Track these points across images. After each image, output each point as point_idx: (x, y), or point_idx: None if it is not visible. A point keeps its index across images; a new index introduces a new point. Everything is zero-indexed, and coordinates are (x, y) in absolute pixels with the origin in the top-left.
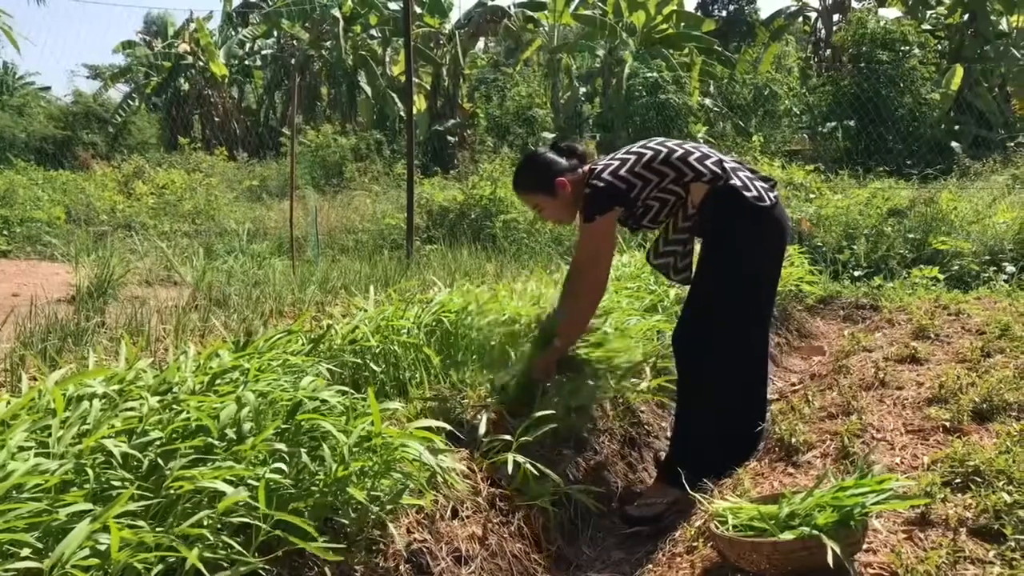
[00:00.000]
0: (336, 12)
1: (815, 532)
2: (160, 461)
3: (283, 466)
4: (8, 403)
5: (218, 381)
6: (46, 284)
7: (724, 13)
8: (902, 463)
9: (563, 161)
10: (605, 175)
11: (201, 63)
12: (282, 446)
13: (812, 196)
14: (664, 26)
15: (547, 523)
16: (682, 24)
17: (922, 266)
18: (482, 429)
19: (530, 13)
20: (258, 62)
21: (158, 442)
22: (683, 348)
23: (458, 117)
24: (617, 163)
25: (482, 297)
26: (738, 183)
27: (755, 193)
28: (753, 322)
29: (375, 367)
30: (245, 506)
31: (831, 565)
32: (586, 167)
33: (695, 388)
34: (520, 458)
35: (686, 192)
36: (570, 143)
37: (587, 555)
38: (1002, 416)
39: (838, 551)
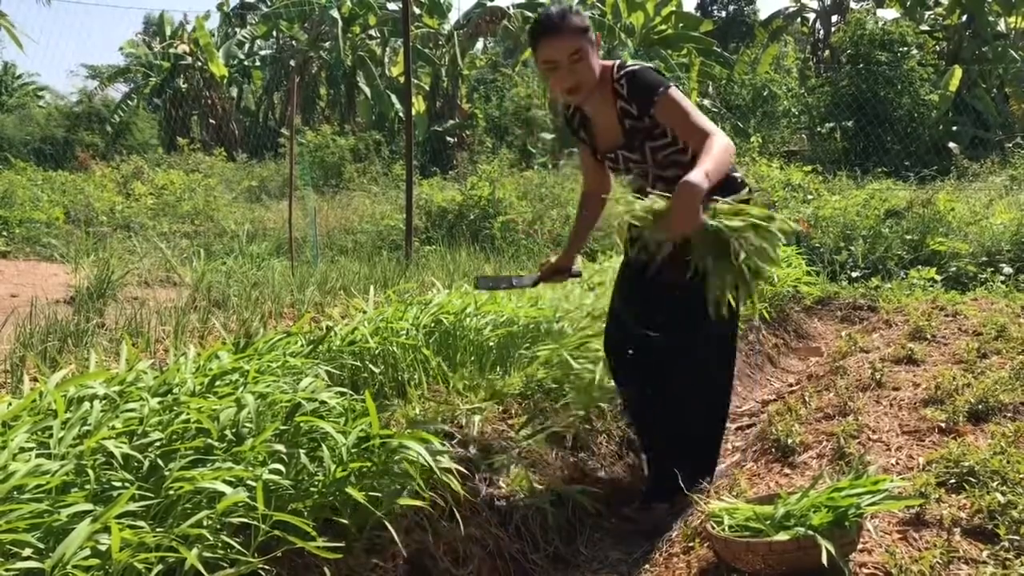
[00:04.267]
0: (335, 13)
1: (810, 532)
2: (160, 462)
3: (282, 467)
4: (9, 404)
5: (218, 383)
6: (45, 285)
7: (723, 14)
8: (897, 464)
9: None
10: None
11: (200, 63)
12: (281, 447)
13: (810, 197)
14: (663, 27)
15: (545, 523)
16: (681, 25)
17: (920, 267)
18: (480, 430)
19: (529, 14)
20: (257, 63)
21: (158, 443)
22: (680, 350)
23: (457, 118)
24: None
25: (480, 298)
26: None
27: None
28: (737, 321)
29: (374, 368)
30: (244, 506)
31: (826, 565)
32: (604, 63)
33: (695, 390)
34: (518, 459)
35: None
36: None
37: (584, 555)
38: (997, 417)
39: (832, 551)
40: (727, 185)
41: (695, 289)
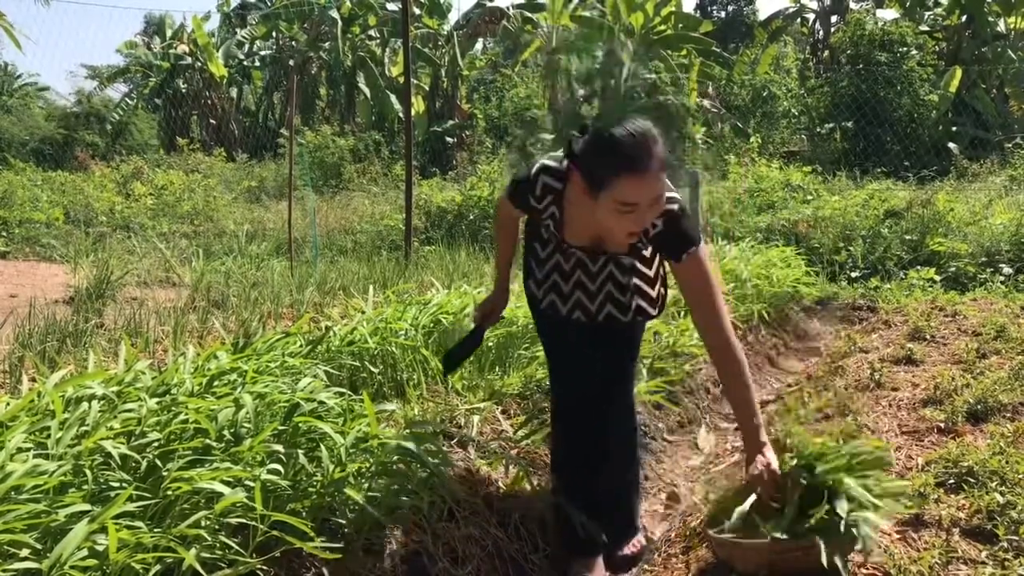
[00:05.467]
0: (334, 13)
1: (813, 535)
2: (158, 462)
3: (280, 467)
4: (7, 404)
5: (216, 383)
6: (44, 285)
7: (722, 14)
8: (896, 464)
9: None
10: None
11: (200, 64)
12: (279, 447)
13: (810, 197)
14: (662, 27)
15: (544, 524)
16: (680, 25)
17: (919, 267)
18: (479, 430)
19: (528, 14)
20: (256, 63)
21: (156, 443)
22: (627, 407)
23: (456, 118)
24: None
25: (480, 299)
26: None
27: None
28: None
29: (373, 369)
30: (243, 507)
31: (826, 566)
32: None
33: (632, 438)
34: (517, 458)
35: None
36: None
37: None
38: (996, 417)
39: (831, 552)
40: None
41: (629, 331)
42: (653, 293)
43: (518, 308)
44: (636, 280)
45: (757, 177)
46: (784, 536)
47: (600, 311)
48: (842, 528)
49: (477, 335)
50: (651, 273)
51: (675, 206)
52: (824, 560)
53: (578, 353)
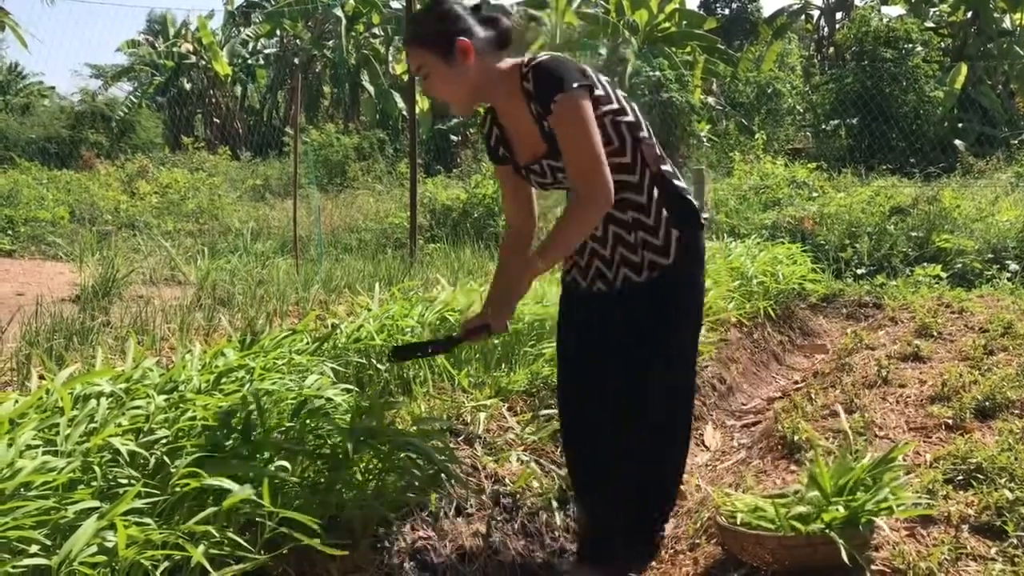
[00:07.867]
0: (338, 11)
1: (825, 530)
2: (166, 459)
3: (288, 464)
4: (16, 402)
5: (224, 380)
6: (51, 284)
7: (727, 11)
8: (904, 460)
9: (479, 28)
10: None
11: (204, 62)
12: (287, 444)
13: (815, 194)
14: (666, 24)
15: (550, 520)
16: (684, 22)
17: (925, 264)
18: (485, 427)
19: (533, 11)
20: (261, 61)
21: (164, 440)
22: (659, 391)
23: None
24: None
25: (485, 296)
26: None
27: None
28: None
29: (380, 366)
30: (251, 503)
31: (848, 563)
32: (519, 59)
33: (668, 437)
34: (523, 456)
35: (637, 157)
36: (495, 15)
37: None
38: (1004, 414)
39: (850, 551)
40: (674, 203)
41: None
42: (659, 241)
43: (523, 306)
44: (642, 233)
45: (762, 174)
46: (799, 532)
47: (617, 276)
48: (859, 525)
49: (451, 342)
50: (651, 222)
51: (542, 57)
52: (844, 556)
53: (592, 333)
